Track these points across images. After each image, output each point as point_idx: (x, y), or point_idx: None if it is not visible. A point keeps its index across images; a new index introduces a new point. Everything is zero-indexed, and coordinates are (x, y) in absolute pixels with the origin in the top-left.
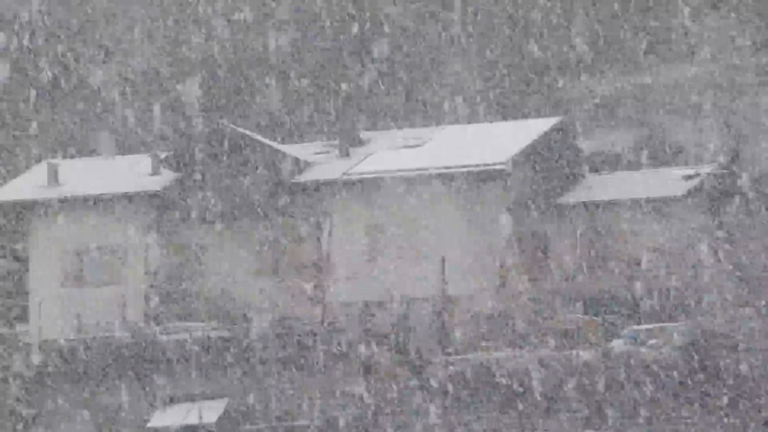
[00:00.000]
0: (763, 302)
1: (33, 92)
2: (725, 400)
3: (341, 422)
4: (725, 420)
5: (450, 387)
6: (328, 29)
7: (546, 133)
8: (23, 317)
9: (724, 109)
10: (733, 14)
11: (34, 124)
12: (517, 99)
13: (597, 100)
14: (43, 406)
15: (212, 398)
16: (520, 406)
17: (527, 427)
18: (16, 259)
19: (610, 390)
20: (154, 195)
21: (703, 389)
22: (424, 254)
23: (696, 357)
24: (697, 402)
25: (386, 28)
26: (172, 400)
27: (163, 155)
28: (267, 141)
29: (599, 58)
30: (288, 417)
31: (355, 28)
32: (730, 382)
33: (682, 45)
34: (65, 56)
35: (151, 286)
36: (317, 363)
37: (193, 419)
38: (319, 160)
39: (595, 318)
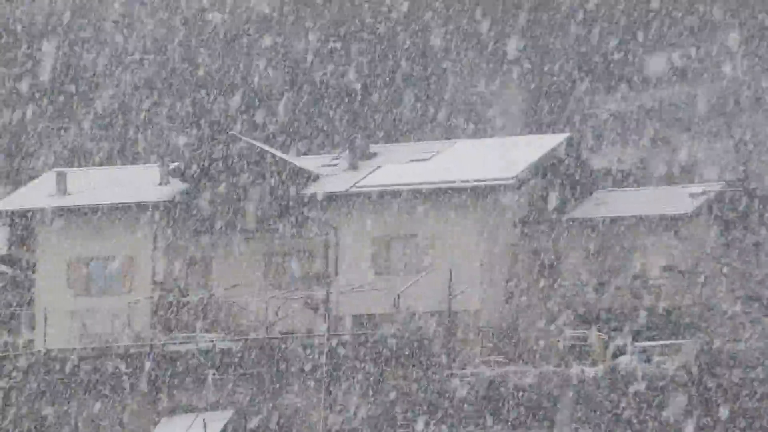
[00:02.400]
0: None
1: (41, 101)
2: (727, 418)
3: None
4: None
5: (455, 402)
6: (340, 42)
7: (555, 149)
8: (30, 326)
9: (734, 127)
10: (744, 31)
11: (43, 133)
12: (528, 114)
13: (607, 117)
14: (46, 416)
15: (217, 410)
16: (526, 422)
17: None
18: (23, 267)
19: (613, 406)
20: (162, 205)
21: (706, 407)
22: (431, 268)
23: (701, 375)
24: (699, 419)
25: (398, 42)
26: (177, 411)
27: (171, 165)
28: (276, 152)
29: (610, 75)
30: (293, 429)
31: (365, 42)
32: (735, 400)
33: (692, 62)
34: (73, 64)
35: (158, 297)
36: (323, 375)
37: (197, 430)
38: (328, 173)
39: (601, 334)
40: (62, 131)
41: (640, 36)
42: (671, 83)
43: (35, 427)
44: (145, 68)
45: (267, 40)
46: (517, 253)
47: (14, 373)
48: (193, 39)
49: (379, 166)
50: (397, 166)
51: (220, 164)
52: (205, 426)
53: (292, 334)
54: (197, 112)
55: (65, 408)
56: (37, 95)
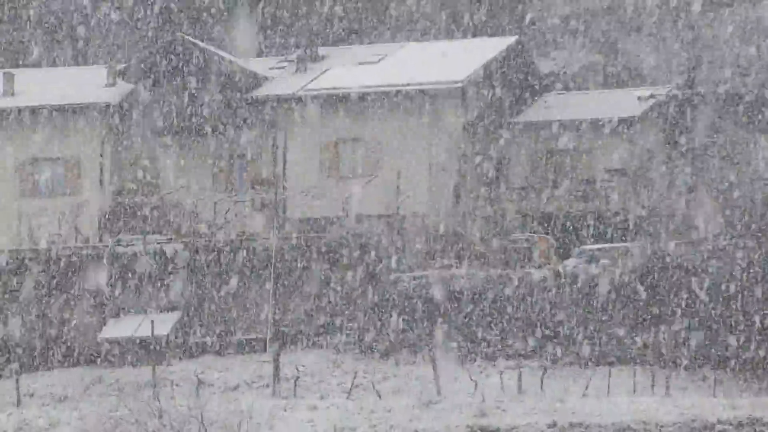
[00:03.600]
0: (716, 223)
1: None
2: (671, 319)
3: (294, 335)
4: (661, 340)
5: (404, 303)
6: None
7: (503, 52)
8: None
9: (683, 29)
10: None
11: None
12: (476, 17)
13: (556, 20)
14: None
15: (165, 311)
16: (471, 324)
17: (478, 342)
18: None
19: (557, 308)
20: (109, 107)
21: (649, 309)
22: (379, 171)
23: (646, 277)
24: (644, 322)
25: None
26: (125, 313)
27: (119, 67)
28: (224, 54)
29: None
30: (240, 330)
31: None
32: (679, 302)
33: None
34: None
35: (106, 199)
36: (270, 277)
37: (145, 331)
38: (276, 75)
39: (547, 237)
40: (7, 32)
41: None
42: None
43: None
44: None
45: None
46: (465, 157)
47: None
48: None
49: (327, 69)
50: (346, 69)
51: (167, 66)
52: (153, 326)
53: (241, 236)
54: (145, 13)
55: (12, 309)
56: None
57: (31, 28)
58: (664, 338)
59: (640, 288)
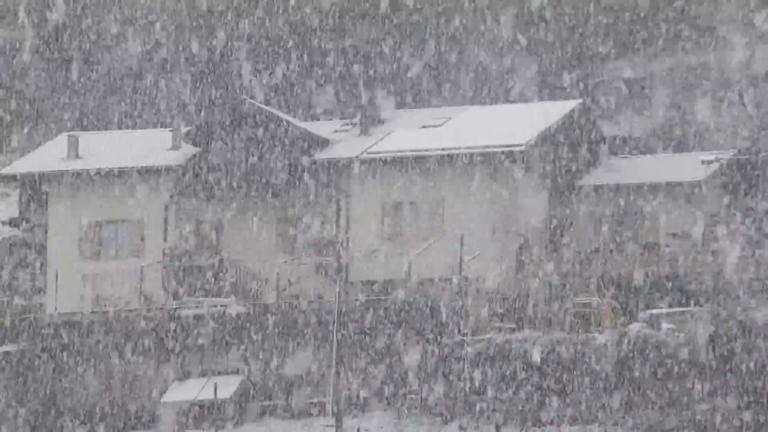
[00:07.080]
0: None
1: (52, 64)
2: (735, 386)
3: (357, 399)
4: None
5: (467, 367)
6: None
7: (567, 116)
8: (41, 289)
9: (747, 94)
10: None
11: (54, 97)
12: (540, 81)
13: (619, 84)
14: (57, 380)
15: (228, 374)
16: (536, 387)
17: (541, 407)
18: (35, 231)
19: (621, 373)
20: (173, 169)
21: (715, 375)
22: (442, 234)
23: (711, 343)
24: (709, 387)
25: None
26: (188, 375)
27: (183, 130)
28: (287, 117)
29: (623, 42)
30: (303, 393)
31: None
32: (744, 369)
33: (705, 29)
34: (84, 30)
35: (169, 261)
36: (334, 340)
37: (207, 394)
38: (339, 138)
39: (612, 301)
40: (72, 96)
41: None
42: (684, 50)
43: (46, 391)
44: (156, 32)
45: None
46: (528, 220)
47: (25, 337)
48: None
49: (390, 132)
50: (409, 132)
51: (231, 129)
52: (216, 390)
53: (303, 299)
54: (208, 77)
55: (76, 372)
56: (45, 60)
57: (95, 91)
58: (732, 405)
59: (708, 354)
